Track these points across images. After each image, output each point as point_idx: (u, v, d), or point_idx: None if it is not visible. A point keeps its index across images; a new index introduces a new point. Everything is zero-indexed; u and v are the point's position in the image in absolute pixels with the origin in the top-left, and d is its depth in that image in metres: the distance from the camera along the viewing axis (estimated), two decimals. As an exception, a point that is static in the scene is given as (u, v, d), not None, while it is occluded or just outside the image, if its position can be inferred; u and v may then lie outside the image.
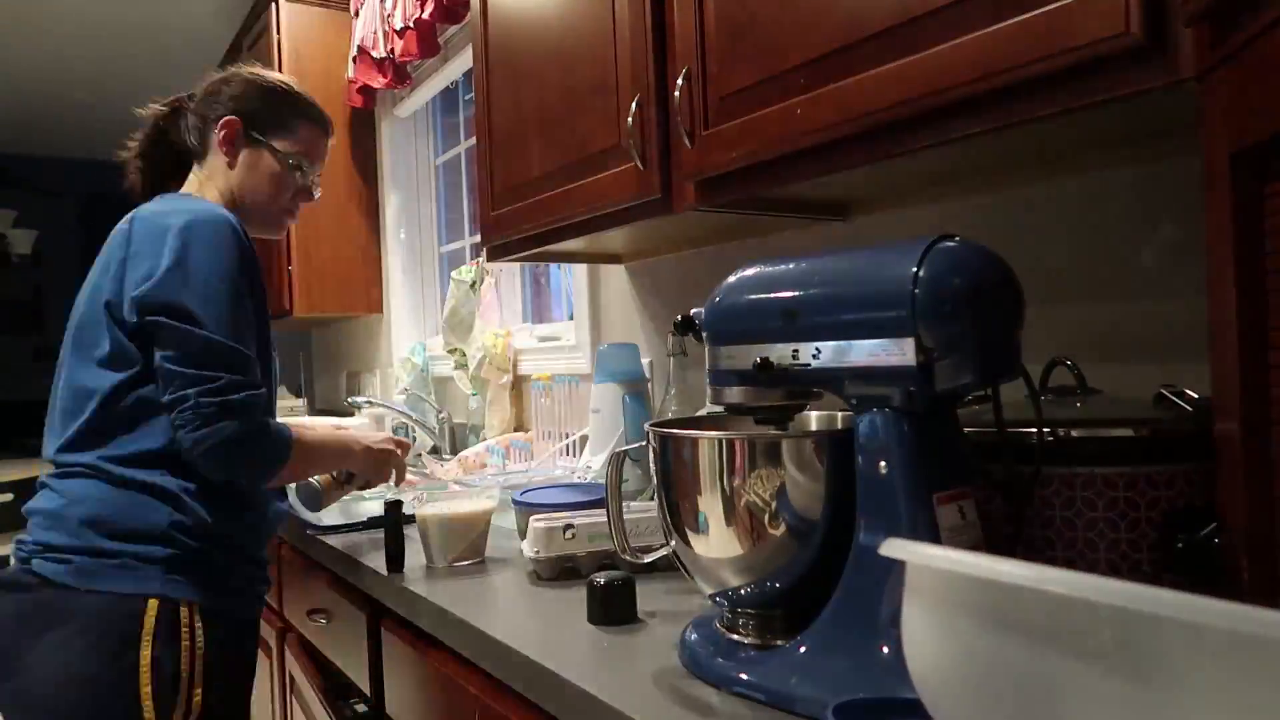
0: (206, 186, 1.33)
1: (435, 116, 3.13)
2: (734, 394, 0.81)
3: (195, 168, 1.35)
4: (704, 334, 0.83)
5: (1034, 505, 0.76)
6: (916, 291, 0.67)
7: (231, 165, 1.33)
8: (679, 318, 0.86)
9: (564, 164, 1.39)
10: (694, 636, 0.83)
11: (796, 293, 0.75)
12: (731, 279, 0.82)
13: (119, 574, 1.09)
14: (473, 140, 2.59)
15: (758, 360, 0.76)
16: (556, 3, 1.40)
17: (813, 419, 0.93)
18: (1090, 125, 0.87)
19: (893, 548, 0.48)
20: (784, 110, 0.97)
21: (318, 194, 1.43)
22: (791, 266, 0.78)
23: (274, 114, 1.35)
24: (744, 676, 0.75)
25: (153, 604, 1.09)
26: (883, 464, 0.69)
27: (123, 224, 1.21)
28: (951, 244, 0.70)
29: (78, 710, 1.07)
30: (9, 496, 4.04)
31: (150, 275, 1.12)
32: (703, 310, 0.83)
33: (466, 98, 2.89)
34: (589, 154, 1.33)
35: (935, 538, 0.67)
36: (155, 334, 1.12)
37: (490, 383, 2.34)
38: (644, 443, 0.86)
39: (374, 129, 3.20)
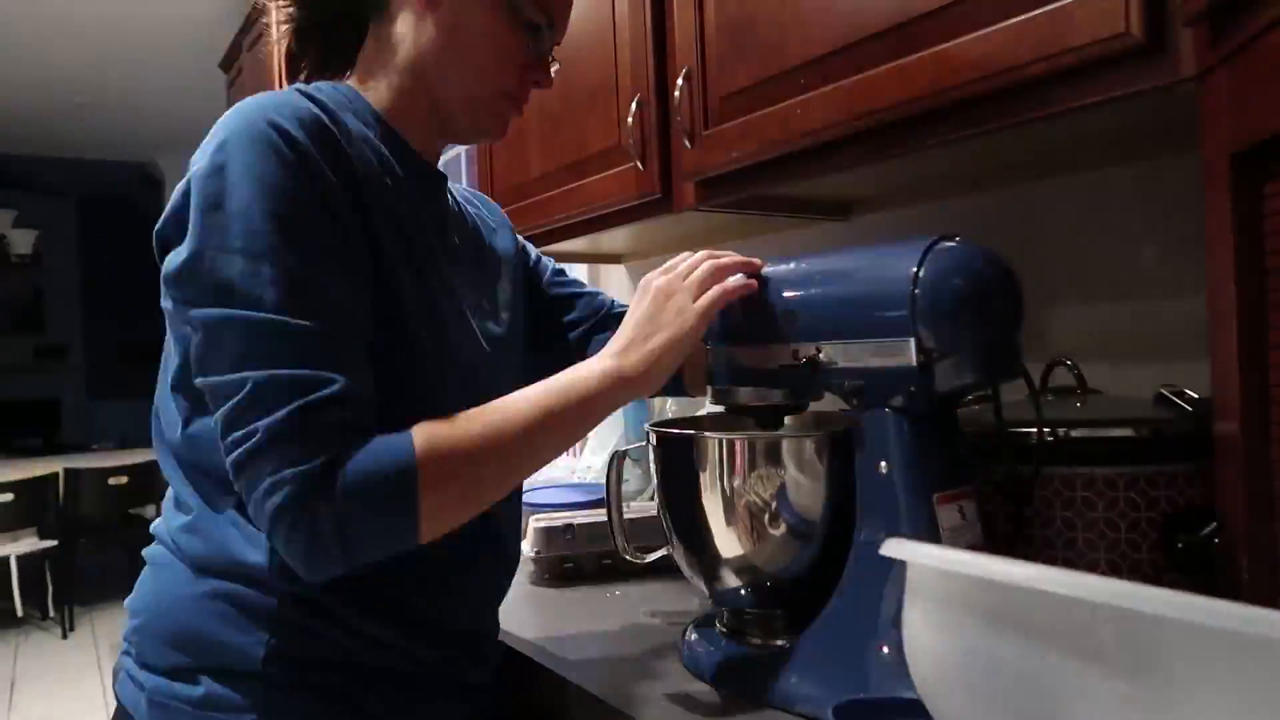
0: (375, 66, 0.83)
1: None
2: (735, 394, 0.81)
3: (371, 36, 0.84)
4: (706, 333, 0.83)
5: (1034, 505, 0.76)
6: (917, 292, 0.67)
7: (425, 27, 0.80)
8: None
9: (564, 164, 1.39)
10: (694, 637, 0.83)
11: (797, 293, 0.75)
12: None
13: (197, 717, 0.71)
14: (473, 140, 2.58)
15: (759, 360, 0.76)
16: (556, 3, 1.40)
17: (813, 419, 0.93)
18: (1091, 125, 0.87)
19: (894, 548, 0.48)
20: (784, 110, 0.97)
21: (555, 69, 0.90)
22: (792, 266, 0.78)
23: None
24: (745, 677, 0.75)
25: None
26: (883, 464, 0.69)
27: None
28: (951, 244, 0.70)
29: None
30: (9, 496, 4.05)
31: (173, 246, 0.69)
32: None
33: (466, 98, 2.88)
34: (589, 154, 1.33)
35: (935, 537, 0.67)
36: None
37: (490, 383, 2.33)
38: (644, 443, 0.86)
39: (374, 129, 3.19)
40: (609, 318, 1.05)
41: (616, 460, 0.91)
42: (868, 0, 0.87)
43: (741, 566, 0.77)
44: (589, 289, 1.10)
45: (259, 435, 0.61)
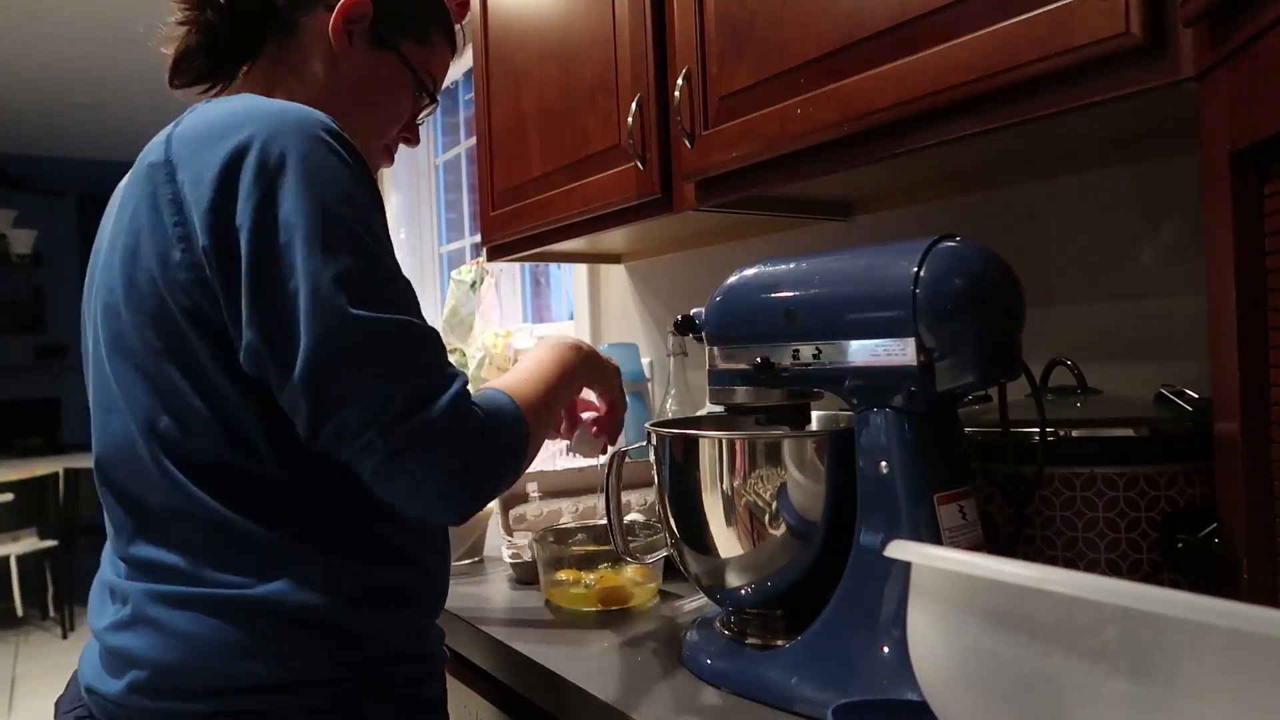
0: (284, 83, 0.85)
1: (435, 116, 3.13)
2: (735, 394, 0.81)
3: (267, 53, 0.86)
4: (705, 333, 0.83)
5: (1034, 505, 0.76)
6: (917, 291, 0.67)
7: (336, 62, 0.85)
8: (679, 317, 0.86)
9: (564, 164, 1.39)
10: (695, 637, 0.83)
11: (797, 293, 0.75)
12: (732, 279, 0.82)
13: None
14: (473, 140, 2.59)
15: (758, 360, 0.76)
16: (556, 3, 1.40)
17: (813, 419, 0.93)
18: (1090, 125, 0.87)
19: (898, 549, 0.48)
20: (784, 110, 0.97)
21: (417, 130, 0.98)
22: (792, 266, 0.78)
23: (414, 10, 0.90)
24: (745, 677, 0.75)
25: None
26: (883, 464, 0.69)
27: (155, 151, 0.73)
28: (952, 244, 0.70)
29: None
30: (9, 496, 4.04)
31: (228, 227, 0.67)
32: (703, 310, 0.84)
33: (466, 98, 2.89)
34: (589, 154, 1.33)
35: (936, 538, 0.67)
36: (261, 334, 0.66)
37: (490, 383, 2.34)
38: (644, 443, 0.86)
39: (373, 129, 3.19)
40: None
41: (616, 460, 0.91)
42: (868, 0, 0.87)
43: (742, 566, 0.77)
44: None
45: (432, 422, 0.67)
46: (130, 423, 0.72)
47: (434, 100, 0.93)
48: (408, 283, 0.72)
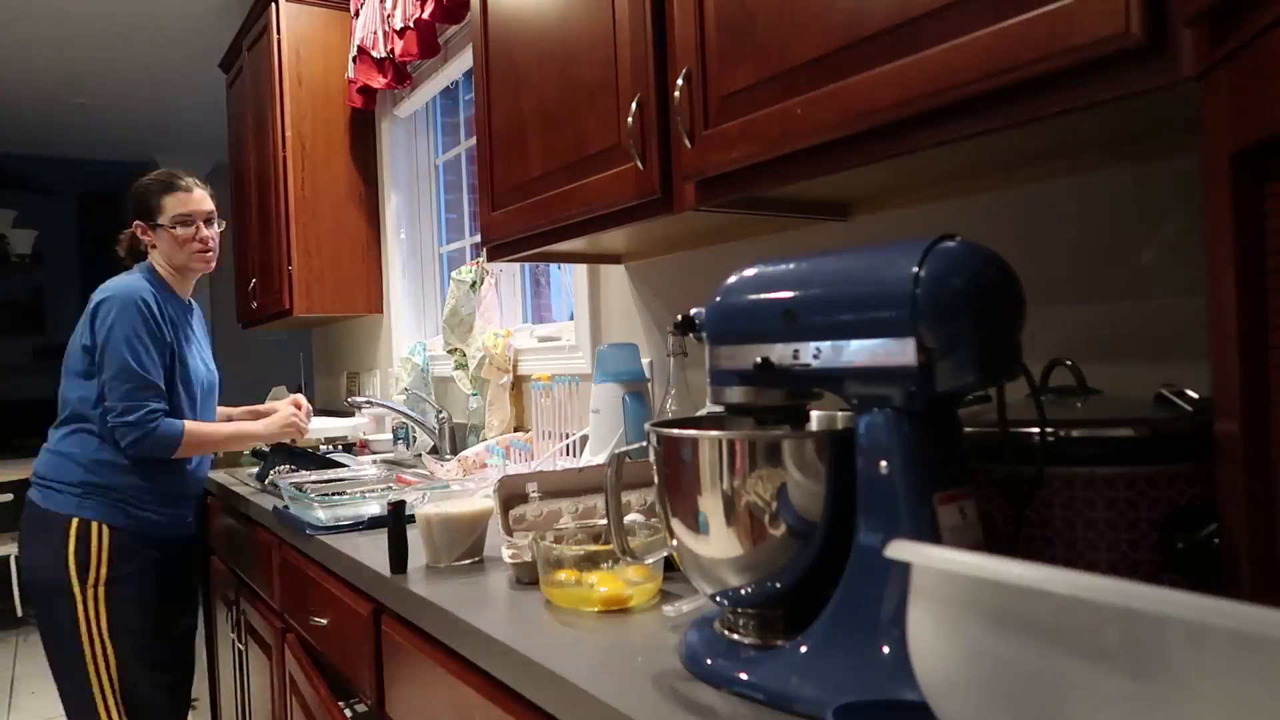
0: (153, 264, 2.14)
1: (435, 116, 3.13)
2: (734, 394, 0.81)
3: (146, 255, 2.17)
4: (704, 334, 0.83)
5: (1033, 505, 0.76)
6: (917, 291, 0.67)
7: (157, 252, 2.12)
8: (679, 317, 0.86)
9: (564, 164, 1.39)
10: (694, 637, 0.83)
11: (797, 293, 0.75)
12: (731, 279, 0.82)
13: (63, 502, 2.00)
14: (473, 140, 2.59)
15: (758, 360, 0.76)
16: (556, 3, 1.40)
17: (813, 419, 0.93)
18: (1091, 125, 0.87)
19: (899, 549, 0.48)
20: (784, 110, 0.97)
21: (212, 229, 2.12)
22: (791, 266, 0.78)
23: (146, 205, 2.09)
24: (744, 677, 0.75)
25: (75, 520, 1.98)
26: (883, 464, 0.69)
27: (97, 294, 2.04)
28: (952, 244, 0.70)
29: (43, 568, 1.99)
30: (9, 496, 4.04)
31: (101, 335, 1.98)
32: (703, 310, 0.84)
33: (466, 98, 2.89)
34: (589, 154, 1.33)
35: (936, 538, 0.67)
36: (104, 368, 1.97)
37: (490, 383, 2.34)
38: (644, 443, 0.86)
39: (374, 129, 3.20)
40: None
41: (617, 461, 0.91)
42: (868, 0, 0.87)
43: (742, 566, 0.77)
44: None
45: (131, 416, 1.96)
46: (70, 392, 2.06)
47: (189, 222, 2.08)
48: (148, 366, 1.98)
